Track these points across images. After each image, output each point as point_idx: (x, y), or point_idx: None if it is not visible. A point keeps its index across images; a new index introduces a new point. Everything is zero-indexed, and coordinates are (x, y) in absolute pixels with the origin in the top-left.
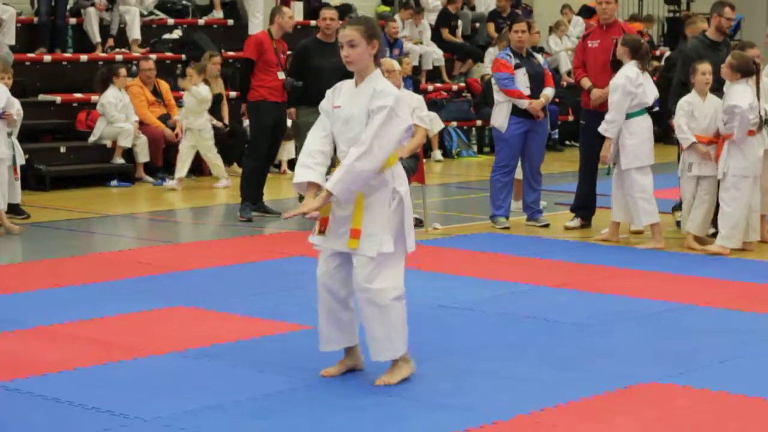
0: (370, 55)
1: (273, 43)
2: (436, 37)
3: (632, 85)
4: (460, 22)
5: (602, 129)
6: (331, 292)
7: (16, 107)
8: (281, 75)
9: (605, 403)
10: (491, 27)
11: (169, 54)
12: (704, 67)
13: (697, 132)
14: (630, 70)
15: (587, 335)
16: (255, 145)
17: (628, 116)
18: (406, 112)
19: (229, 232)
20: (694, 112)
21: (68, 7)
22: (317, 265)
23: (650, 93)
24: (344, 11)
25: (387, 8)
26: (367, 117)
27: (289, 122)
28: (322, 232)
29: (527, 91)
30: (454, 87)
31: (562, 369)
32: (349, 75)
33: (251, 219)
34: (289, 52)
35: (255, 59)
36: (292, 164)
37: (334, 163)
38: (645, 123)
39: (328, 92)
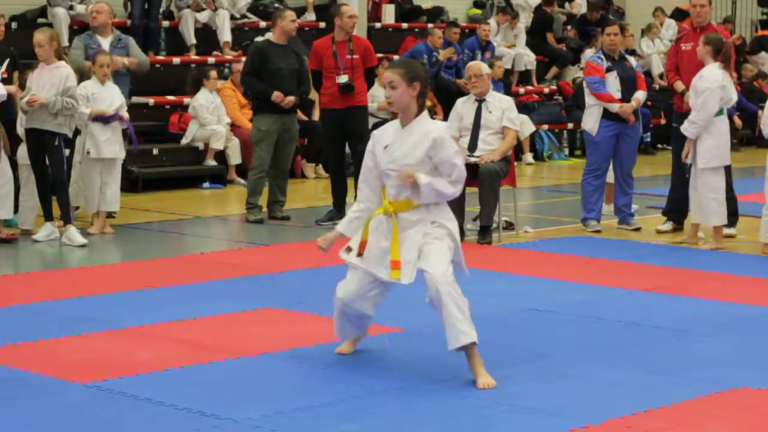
0: (411, 96)
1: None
2: (536, 41)
3: (718, 86)
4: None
5: (684, 128)
6: (352, 309)
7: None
8: None
9: (697, 408)
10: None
11: None
12: None
13: None
14: (713, 71)
15: (678, 339)
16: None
17: None
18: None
19: (320, 234)
20: None
21: (161, 9)
22: (343, 281)
23: (732, 94)
24: (436, 14)
25: (478, 11)
26: (422, 161)
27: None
28: (360, 254)
29: (618, 95)
30: (546, 90)
31: (654, 373)
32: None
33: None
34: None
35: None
36: None
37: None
38: (723, 124)
39: (375, 134)
